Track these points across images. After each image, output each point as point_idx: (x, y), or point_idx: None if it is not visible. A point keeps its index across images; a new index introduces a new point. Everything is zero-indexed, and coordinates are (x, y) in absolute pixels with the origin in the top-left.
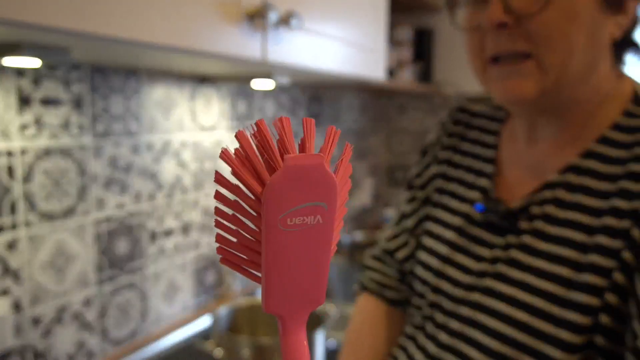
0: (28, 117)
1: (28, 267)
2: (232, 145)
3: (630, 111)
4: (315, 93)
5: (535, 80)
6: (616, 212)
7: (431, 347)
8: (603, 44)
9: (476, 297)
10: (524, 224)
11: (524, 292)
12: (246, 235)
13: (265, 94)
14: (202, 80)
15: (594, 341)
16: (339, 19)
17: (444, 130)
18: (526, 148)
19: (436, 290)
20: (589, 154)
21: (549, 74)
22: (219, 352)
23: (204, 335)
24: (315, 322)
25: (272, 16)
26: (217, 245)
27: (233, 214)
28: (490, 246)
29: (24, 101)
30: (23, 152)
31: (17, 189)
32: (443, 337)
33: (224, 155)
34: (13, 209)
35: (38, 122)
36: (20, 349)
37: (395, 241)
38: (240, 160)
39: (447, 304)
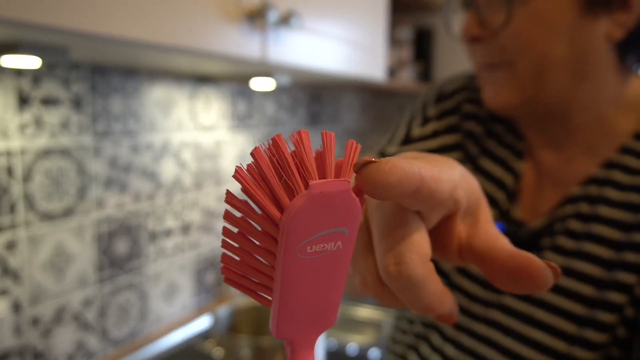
0: (27, 116)
1: (27, 267)
2: (232, 145)
3: None
4: (315, 93)
5: (513, 89)
6: None
7: None
8: (593, 48)
9: (493, 314)
10: (545, 241)
11: (543, 310)
12: (257, 257)
13: (265, 93)
14: (202, 79)
15: (611, 355)
16: (339, 18)
17: (471, 90)
18: (547, 157)
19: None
20: (611, 165)
21: (526, 81)
22: (218, 352)
23: (204, 335)
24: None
25: (272, 15)
26: (222, 265)
27: (242, 235)
28: None
29: (24, 101)
30: (22, 151)
31: (17, 188)
32: (451, 351)
33: (239, 175)
34: (12, 209)
35: (37, 122)
36: (20, 349)
37: None
38: (255, 180)
39: (461, 319)
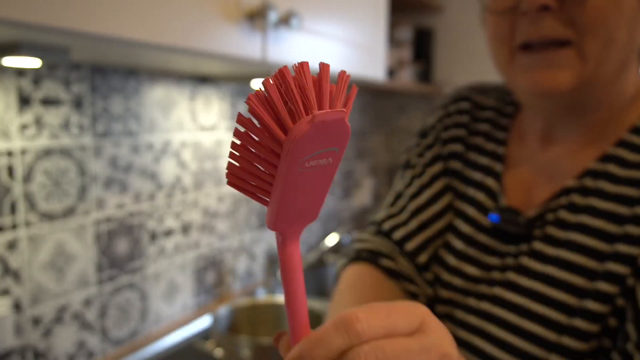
0: (28, 117)
1: (28, 267)
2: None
3: None
4: None
5: (574, 70)
6: None
7: None
8: (637, 43)
9: (485, 306)
10: (537, 231)
11: (533, 301)
12: (258, 166)
13: None
14: (202, 80)
15: (602, 346)
16: (339, 18)
17: (448, 116)
18: (539, 148)
19: (445, 300)
20: (607, 158)
21: (588, 63)
22: (218, 352)
23: (204, 335)
24: (315, 321)
25: (272, 16)
26: (227, 171)
27: (246, 147)
28: (501, 255)
29: (24, 101)
30: (23, 152)
31: (17, 189)
32: None
33: (251, 100)
34: (13, 209)
35: (38, 122)
36: (21, 349)
37: (390, 222)
38: (264, 105)
39: (455, 312)
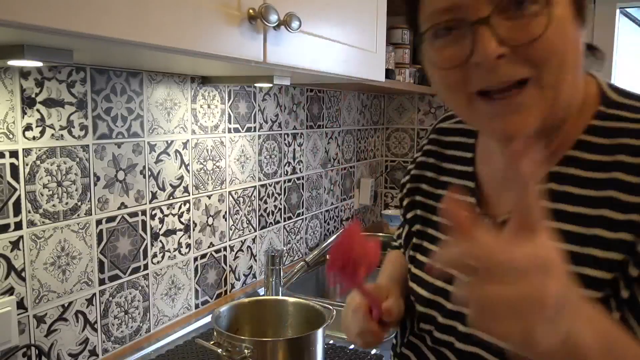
0: (32, 117)
1: (32, 266)
2: (232, 145)
3: (602, 112)
4: (315, 93)
5: (538, 108)
6: (608, 223)
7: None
8: (581, 54)
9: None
10: None
11: None
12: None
13: (266, 94)
14: (203, 81)
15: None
16: (338, 21)
17: (422, 151)
18: (504, 163)
19: (427, 318)
20: (567, 161)
21: (549, 92)
22: (220, 351)
23: (205, 334)
24: (315, 321)
25: (272, 18)
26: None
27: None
28: None
29: (28, 102)
30: (27, 152)
31: (21, 189)
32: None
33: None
34: (17, 209)
35: (41, 123)
36: (24, 348)
37: (396, 242)
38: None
39: (436, 333)
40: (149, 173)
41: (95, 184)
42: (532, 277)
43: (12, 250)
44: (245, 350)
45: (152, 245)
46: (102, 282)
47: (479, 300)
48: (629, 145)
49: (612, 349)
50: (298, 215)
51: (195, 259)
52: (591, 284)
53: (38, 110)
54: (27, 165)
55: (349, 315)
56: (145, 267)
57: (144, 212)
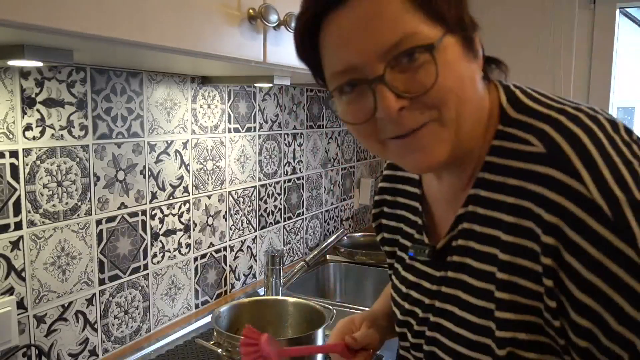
0: (32, 117)
1: (32, 266)
2: (232, 145)
3: (500, 131)
4: (315, 93)
5: (443, 140)
6: (522, 233)
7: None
8: (479, 83)
9: (430, 333)
10: (451, 258)
11: (453, 324)
12: None
13: (266, 94)
14: (203, 81)
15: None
16: None
17: (382, 177)
18: (439, 186)
19: (402, 336)
20: (479, 183)
21: (451, 127)
22: (220, 351)
23: (205, 334)
24: (315, 321)
25: (272, 18)
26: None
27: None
28: (432, 281)
29: (28, 102)
30: (27, 152)
31: (21, 189)
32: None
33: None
34: (17, 209)
35: (41, 123)
36: (24, 348)
37: None
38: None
39: (412, 339)
40: (149, 173)
41: (95, 184)
42: None
43: (12, 250)
44: None
45: (152, 245)
46: (102, 282)
47: None
48: (519, 170)
49: None
50: (298, 215)
51: (195, 259)
52: (508, 287)
53: (38, 110)
54: (27, 165)
55: None
56: (145, 267)
57: (144, 212)
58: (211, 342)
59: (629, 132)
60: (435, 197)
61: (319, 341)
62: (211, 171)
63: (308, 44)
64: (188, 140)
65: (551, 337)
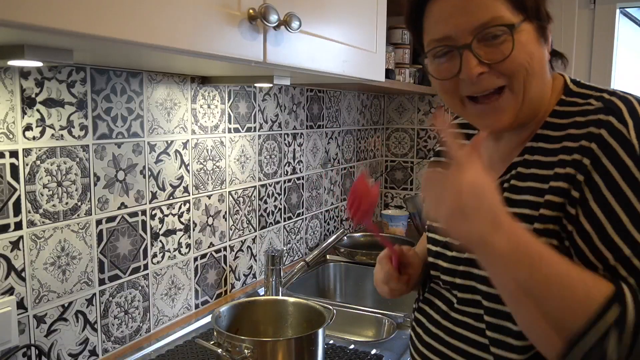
0: (32, 117)
1: (32, 266)
2: (232, 145)
3: (563, 100)
4: (315, 93)
5: (512, 109)
6: (556, 177)
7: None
8: (546, 64)
9: (465, 255)
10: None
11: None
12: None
13: (266, 94)
14: (203, 81)
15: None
16: (338, 21)
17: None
18: (495, 146)
19: (434, 266)
20: (537, 137)
21: (519, 95)
22: (219, 351)
23: (205, 334)
24: (315, 321)
25: (272, 18)
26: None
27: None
28: None
29: (28, 102)
30: (27, 152)
31: (21, 189)
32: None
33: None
34: (17, 209)
35: (41, 123)
36: (24, 348)
37: None
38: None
39: (442, 276)
40: (149, 173)
41: (95, 184)
42: (455, 176)
43: (12, 250)
44: (245, 350)
45: (152, 245)
46: (102, 282)
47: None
48: (576, 122)
49: (531, 264)
50: (298, 215)
51: (195, 259)
52: (555, 207)
53: (38, 110)
54: (27, 165)
55: (377, 267)
56: (145, 267)
57: (144, 212)
58: (211, 342)
59: None
60: (488, 156)
61: (319, 341)
62: (211, 171)
63: (414, 17)
64: (188, 140)
65: (561, 240)
